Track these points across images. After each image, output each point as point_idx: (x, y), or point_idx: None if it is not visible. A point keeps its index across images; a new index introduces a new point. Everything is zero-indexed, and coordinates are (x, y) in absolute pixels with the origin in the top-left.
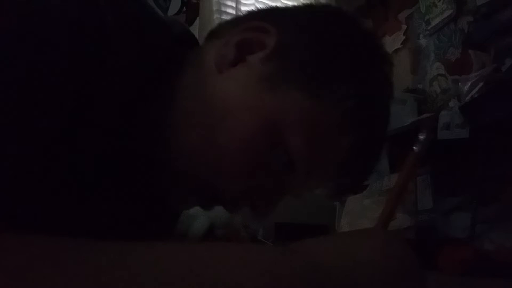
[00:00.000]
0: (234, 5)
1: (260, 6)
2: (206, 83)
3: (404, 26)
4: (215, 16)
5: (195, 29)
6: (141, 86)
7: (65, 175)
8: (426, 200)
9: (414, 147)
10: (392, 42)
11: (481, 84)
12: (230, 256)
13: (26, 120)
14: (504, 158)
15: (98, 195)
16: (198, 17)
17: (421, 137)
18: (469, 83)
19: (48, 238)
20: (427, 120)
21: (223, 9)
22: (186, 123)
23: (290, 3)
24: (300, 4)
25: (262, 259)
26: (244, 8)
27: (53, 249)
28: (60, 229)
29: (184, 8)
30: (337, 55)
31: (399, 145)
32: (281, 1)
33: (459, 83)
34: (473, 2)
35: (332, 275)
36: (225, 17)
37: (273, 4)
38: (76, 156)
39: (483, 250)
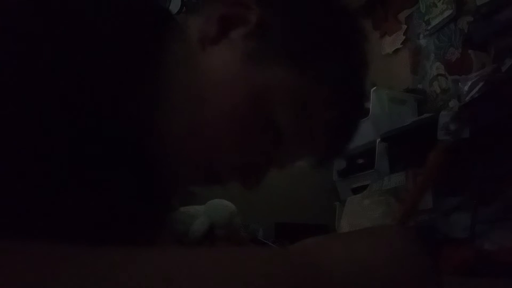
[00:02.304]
0: None
1: None
2: (190, 60)
3: (404, 26)
4: None
5: None
6: (124, 66)
7: (53, 166)
8: (426, 200)
9: (444, 139)
10: (392, 42)
11: (481, 84)
12: (228, 257)
13: (11, 108)
14: (504, 158)
15: (89, 186)
16: None
17: (452, 127)
18: (469, 83)
19: (47, 245)
20: (460, 111)
21: None
22: (173, 101)
23: None
24: None
25: (260, 260)
26: None
27: (53, 255)
28: (52, 224)
29: (184, 8)
30: (320, 32)
31: (399, 145)
32: None
33: (459, 83)
34: (473, 2)
35: (332, 276)
36: None
37: None
38: (66, 144)
39: (483, 250)
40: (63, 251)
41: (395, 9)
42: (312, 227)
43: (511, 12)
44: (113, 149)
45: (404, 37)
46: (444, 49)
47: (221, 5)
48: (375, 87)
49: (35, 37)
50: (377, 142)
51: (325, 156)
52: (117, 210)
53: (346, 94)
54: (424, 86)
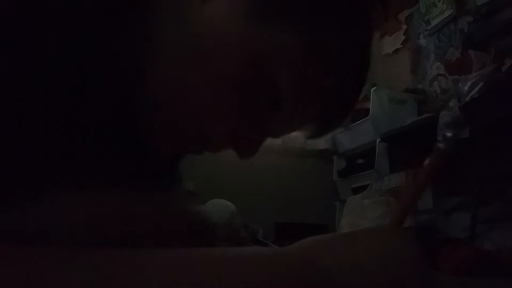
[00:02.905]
0: None
1: None
2: (188, 13)
3: (404, 26)
4: None
5: None
6: (114, 15)
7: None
8: (426, 200)
9: (439, 144)
10: (392, 42)
11: (481, 84)
12: (229, 258)
13: None
14: (504, 158)
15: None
16: None
17: (448, 134)
18: (469, 83)
19: (48, 247)
20: (455, 117)
21: None
22: (167, 57)
23: None
24: None
25: (261, 260)
26: None
27: (53, 257)
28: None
29: None
30: None
31: (399, 145)
32: None
33: (459, 83)
34: (473, 2)
35: (331, 279)
36: None
37: None
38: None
39: (483, 250)
40: (64, 252)
41: (395, 9)
42: (312, 227)
43: (511, 12)
44: (102, 111)
45: (404, 37)
46: (444, 49)
47: None
48: (375, 87)
49: None
50: (377, 142)
51: (321, 125)
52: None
53: (348, 60)
54: (424, 86)
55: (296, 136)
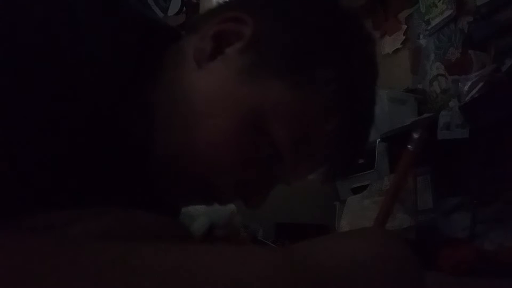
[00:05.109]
0: None
1: None
2: (186, 79)
3: (404, 26)
4: None
5: None
6: (118, 85)
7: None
8: (426, 200)
9: (409, 146)
10: (392, 42)
11: (481, 84)
12: (229, 256)
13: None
14: (504, 158)
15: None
16: None
17: (416, 136)
18: (469, 83)
19: (47, 238)
20: (422, 119)
21: None
22: (169, 121)
23: None
24: None
25: (261, 259)
26: None
27: (52, 248)
28: None
29: (184, 8)
30: (316, 39)
31: (399, 145)
32: None
33: (459, 83)
34: (473, 2)
35: (331, 276)
36: None
37: None
38: (67, 163)
39: (483, 250)
40: (64, 243)
41: (395, 9)
42: (312, 227)
43: (511, 12)
44: (112, 162)
45: (404, 37)
46: (444, 49)
47: (216, 22)
48: None
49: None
50: (377, 142)
51: (331, 169)
52: None
53: (348, 103)
54: (424, 86)
55: None
